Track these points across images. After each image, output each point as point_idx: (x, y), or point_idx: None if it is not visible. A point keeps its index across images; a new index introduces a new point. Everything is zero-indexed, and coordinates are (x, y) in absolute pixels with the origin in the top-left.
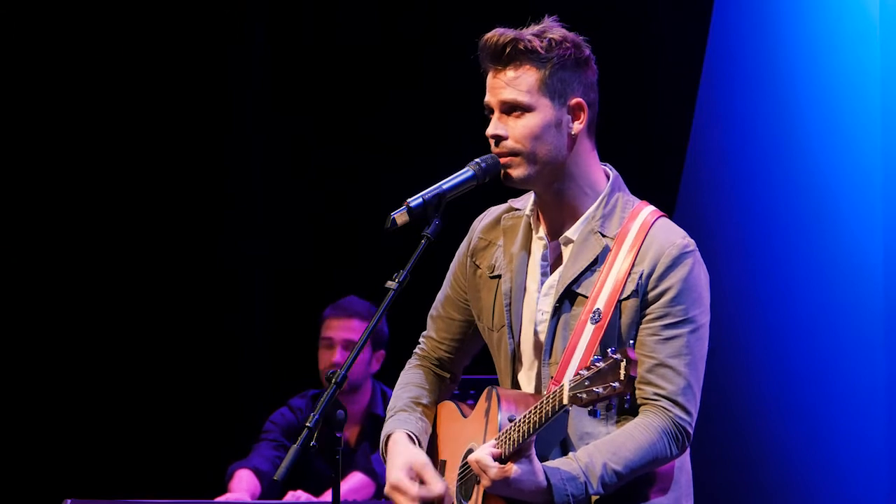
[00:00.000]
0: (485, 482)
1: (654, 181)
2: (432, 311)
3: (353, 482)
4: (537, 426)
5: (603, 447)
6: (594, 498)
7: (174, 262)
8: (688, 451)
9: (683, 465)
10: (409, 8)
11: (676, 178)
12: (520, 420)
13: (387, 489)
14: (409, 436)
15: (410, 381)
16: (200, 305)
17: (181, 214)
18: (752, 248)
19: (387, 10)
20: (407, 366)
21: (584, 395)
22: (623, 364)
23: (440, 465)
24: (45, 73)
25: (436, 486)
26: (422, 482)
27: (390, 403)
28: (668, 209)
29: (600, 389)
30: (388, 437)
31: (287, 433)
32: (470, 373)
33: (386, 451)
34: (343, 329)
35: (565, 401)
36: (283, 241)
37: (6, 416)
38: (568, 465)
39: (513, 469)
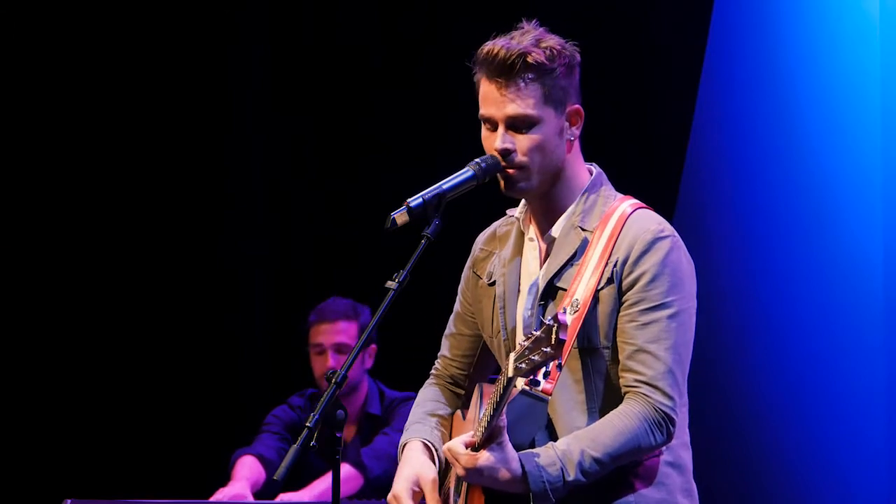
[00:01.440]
0: (458, 471)
1: (654, 181)
2: (446, 331)
3: (341, 474)
4: (496, 408)
5: (582, 435)
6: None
7: (174, 262)
8: (688, 449)
9: (677, 461)
10: (409, 8)
11: (676, 178)
12: (486, 406)
13: (389, 497)
14: (424, 444)
15: (425, 397)
16: (200, 305)
17: (181, 214)
18: (752, 248)
19: (387, 10)
20: (423, 386)
21: (524, 365)
22: (555, 328)
23: (449, 470)
24: (45, 73)
25: None
26: (424, 499)
27: (407, 422)
28: (668, 209)
29: (536, 357)
30: (404, 446)
31: (289, 428)
32: None
33: (400, 459)
34: (331, 333)
35: (510, 373)
36: (283, 241)
37: (6, 416)
38: (544, 452)
39: (483, 456)
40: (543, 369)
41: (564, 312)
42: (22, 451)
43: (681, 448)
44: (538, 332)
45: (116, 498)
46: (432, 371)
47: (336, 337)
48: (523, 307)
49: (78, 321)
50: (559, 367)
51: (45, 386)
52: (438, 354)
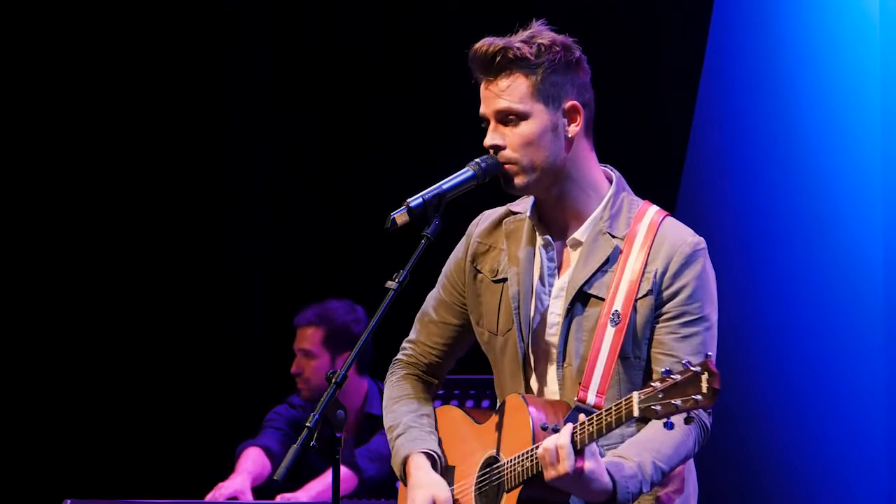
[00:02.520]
0: (553, 472)
1: (654, 181)
2: (422, 317)
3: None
4: (594, 436)
5: (647, 445)
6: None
7: (174, 262)
8: None
9: (690, 465)
10: (409, 8)
11: (676, 178)
12: (577, 426)
13: None
14: (428, 455)
15: (404, 393)
16: (200, 305)
17: (181, 214)
18: (752, 248)
19: (387, 10)
20: (391, 377)
21: (660, 408)
22: (705, 377)
23: (449, 472)
24: (45, 73)
25: None
26: None
27: (389, 418)
28: (668, 209)
29: (678, 402)
30: (407, 459)
31: (291, 425)
32: (466, 373)
33: (405, 475)
34: (298, 339)
35: (635, 413)
36: (283, 241)
37: (6, 416)
38: (625, 464)
39: (585, 464)
40: (686, 415)
41: (708, 357)
42: (22, 451)
43: None
44: (677, 378)
45: (116, 498)
46: (402, 357)
47: (301, 343)
48: (536, 310)
49: (78, 321)
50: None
51: (45, 386)
52: (411, 340)
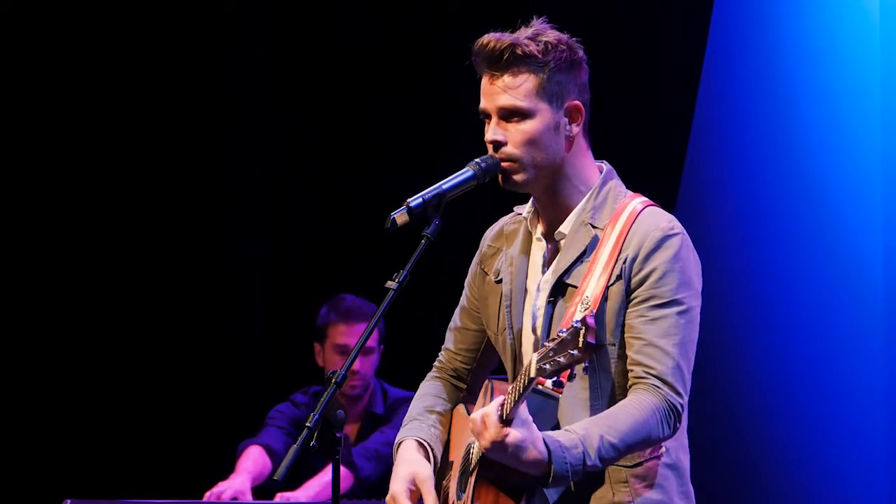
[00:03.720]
0: (483, 443)
1: (654, 180)
2: (450, 324)
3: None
4: (512, 404)
5: (599, 421)
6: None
7: (174, 262)
8: (686, 452)
9: (676, 463)
10: (409, 8)
11: (676, 177)
12: (503, 401)
13: (387, 498)
14: (419, 443)
15: (426, 392)
16: (200, 305)
17: (181, 214)
18: (751, 248)
19: (387, 10)
20: (425, 379)
21: (548, 366)
22: (582, 331)
23: (448, 467)
24: (45, 72)
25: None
26: (421, 498)
27: (406, 415)
28: (669, 209)
29: (561, 358)
30: (399, 444)
31: (293, 424)
32: None
33: (396, 458)
34: (357, 335)
35: (532, 373)
36: (283, 241)
37: (6, 416)
38: (565, 435)
39: (512, 432)
40: (569, 372)
41: (592, 315)
42: (22, 451)
43: (679, 450)
44: (564, 335)
45: (116, 498)
46: (435, 363)
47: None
48: (531, 307)
49: (78, 321)
50: (585, 369)
51: (45, 386)
52: (442, 347)
